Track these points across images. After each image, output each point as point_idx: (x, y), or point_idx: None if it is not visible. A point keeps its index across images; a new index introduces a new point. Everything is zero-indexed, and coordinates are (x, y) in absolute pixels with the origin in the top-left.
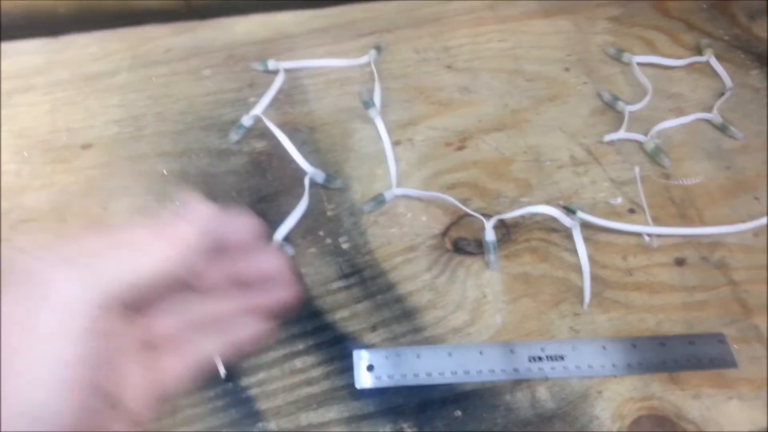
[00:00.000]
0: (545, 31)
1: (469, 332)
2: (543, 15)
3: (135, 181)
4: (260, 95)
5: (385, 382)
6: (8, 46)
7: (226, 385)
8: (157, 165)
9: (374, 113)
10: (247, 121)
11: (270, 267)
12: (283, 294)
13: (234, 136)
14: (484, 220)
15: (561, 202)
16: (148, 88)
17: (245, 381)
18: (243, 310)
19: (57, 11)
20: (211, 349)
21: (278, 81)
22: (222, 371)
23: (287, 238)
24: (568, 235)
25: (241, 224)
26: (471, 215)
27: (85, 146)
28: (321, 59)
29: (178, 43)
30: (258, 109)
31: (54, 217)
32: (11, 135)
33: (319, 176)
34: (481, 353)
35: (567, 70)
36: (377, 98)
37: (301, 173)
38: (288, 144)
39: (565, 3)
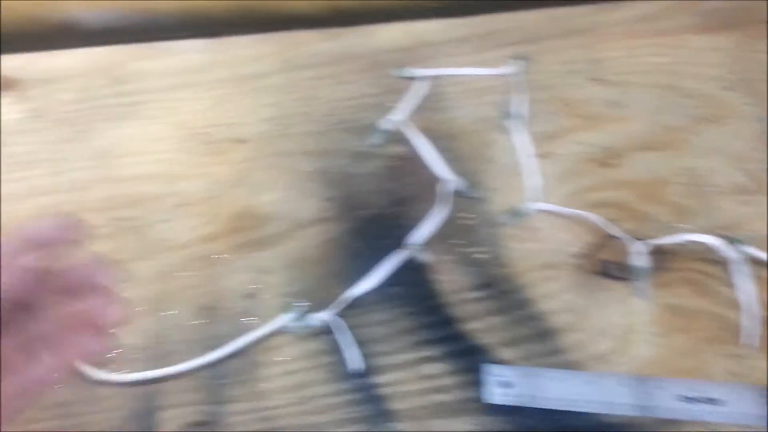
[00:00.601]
0: (704, 47)
1: (613, 361)
2: (702, 30)
3: (280, 176)
4: (400, 101)
5: (517, 401)
6: (175, 45)
7: (359, 380)
8: (301, 162)
9: (516, 125)
10: (388, 125)
11: (92, 274)
12: (107, 307)
13: (374, 140)
14: (636, 244)
15: (723, 233)
16: (298, 90)
17: (378, 379)
18: (75, 326)
19: (212, 12)
20: (47, 369)
21: (421, 88)
22: (356, 366)
23: (423, 244)
24: (728, 268)
25: (55, 223)
26: (618, 238)
27: (240, 141)
28: (461, 68)
29: (325, 48)
30: (400, 115)
31: (206, 205)
32: (174, 126)
33: (459, 184)
34: (624, 385)
35: (727, 89)
36: (520, 109)
37: (435, 180)
38: (429, 151)
39: (725, 19)
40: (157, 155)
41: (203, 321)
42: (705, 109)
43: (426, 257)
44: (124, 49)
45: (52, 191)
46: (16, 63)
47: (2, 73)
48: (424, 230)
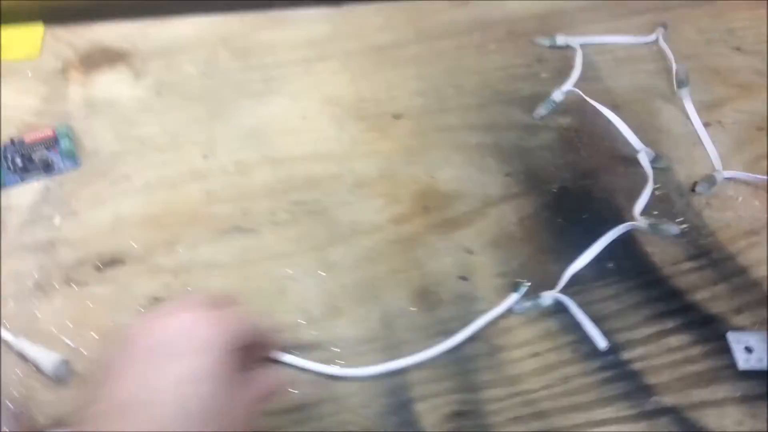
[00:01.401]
0: None
1: None
2: None
3: (454, 152)
4: (551, 70)
5: (760, 365)
6: (295, 13)
7: (608, 357)
8: (469, 137)
9: (685, 93)
10: (558, 96)
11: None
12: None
13: (542, 111)
14: None
15: None
16: (441, 61)
17: (625, 355)
18: None
19: None
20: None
21: (579, 57)
22: (602, 343)
23: (626, 217)
24: None
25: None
26: None
27: (396, 116)
28: (607, 36)
29: (458, 16)
30: (569, 85)
31: (385, 183)
32: (321, 102)
33: (649, 155)
34: None
35: None
36: (684, 78)
37: (616, 151)
38: (618, 121)
39: None
40: (315, 133)
41: (423, 306)
42: None
43: (647, 230)
44: (240, 18)
45: (208, 175)
46: (122, 32)
47: (110, 45)
48: (639, 203)
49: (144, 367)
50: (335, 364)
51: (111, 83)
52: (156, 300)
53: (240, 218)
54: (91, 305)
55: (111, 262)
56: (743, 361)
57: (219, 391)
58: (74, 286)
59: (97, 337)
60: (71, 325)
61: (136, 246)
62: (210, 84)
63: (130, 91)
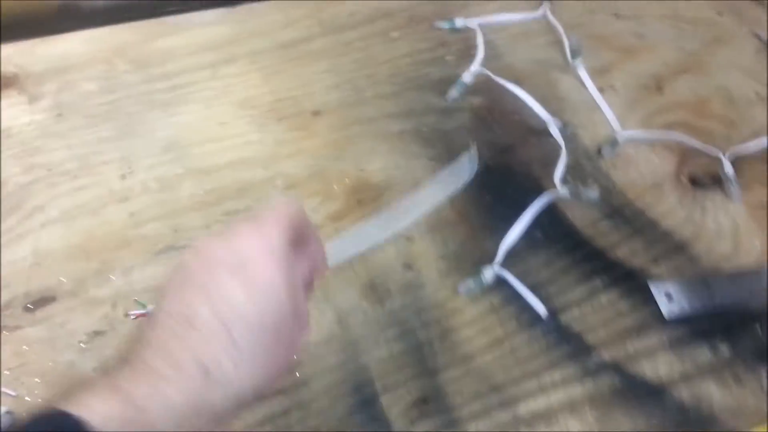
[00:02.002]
0: None
1: (734, 260)
2: None
3: (378, 142)
4: (455, 53)
5: (687, 310)
6: (189, 17)
7: (548, 323)
8: (389, 126)
9: (579, 63)
10: (467, 77)
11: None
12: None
13: (454, 94)
14: (720, 155)
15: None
16: (349, 53)
17: (564, 318)
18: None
19: None
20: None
21: (480, 38)
22: (542, 310)
23: (545, 186)
24: None
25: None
26: (704, 151)
27: (315, 113)
28: (500, 14)
29: (358, 7)
30: (476, 65)
31: (316, 181)
32: (237, 106)
33: (557, 124)
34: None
35: (720, 14)
36: (576, 48)
37: (525, 124)
38: (526, 96)
39: None
40: (236, 139)
41: (373, 300)
42: (711, 33)
43: (569, 198)
44: (132, 27)
45: (130, 195)
46: (6, 54)
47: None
48: (558, 171)
49: (207, 280)
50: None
51: (4, 110)
52: (97, 334)
53: (172, 236)
54: (26, 349)
55: (41, 300)
56: (666, 309)
57: (283, 292)
58: (5, 332)
59: (39, 381)
60: (8, 373)
61: (65, 280)
62: (113, 99)
63: (27, 117)
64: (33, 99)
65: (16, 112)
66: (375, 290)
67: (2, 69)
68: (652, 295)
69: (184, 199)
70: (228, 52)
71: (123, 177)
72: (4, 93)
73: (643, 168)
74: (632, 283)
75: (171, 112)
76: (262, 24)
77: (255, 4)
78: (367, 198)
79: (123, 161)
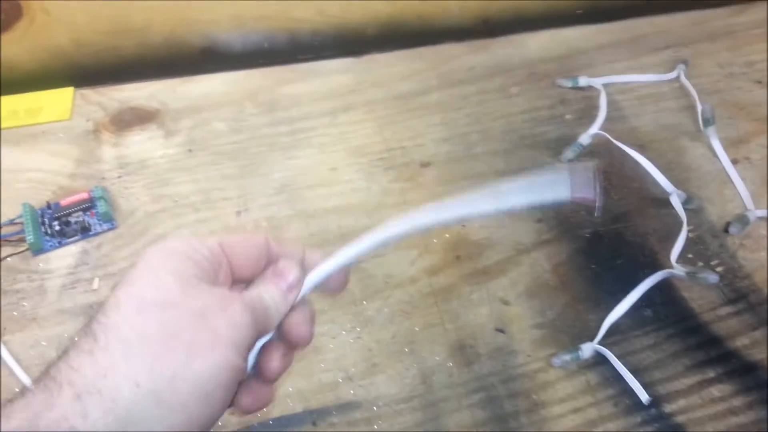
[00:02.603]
0: None
1: None
2: None
3: None
4: (574, 112)
5: None
6: (317, 65)
7: (650, 411)
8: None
9: (712, 132)
10: (585, 139)
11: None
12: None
13: (570, 155)
14: None
15: None
16: (464, 107)
17: (668, 408)
18: None
19: (366, 31)
20: None
21: (603, 98)
22: (645, 397)
23: (661, 261)
24: None
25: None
26: None
27: (424, 164)
28: (628, 75)
29: (479, 61)
30: (595, 127)
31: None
32: (349, 153)
33: (681, 196)
34: None
35: None
36: (709, 115)
37: (646, 192)
38: (647, 163)
39: None
40: (344, 185)
41: (461, 361)
42: None
43: (685, 278)
44: (265, 72)
45: (243, 231)
46: (151, 91)
47: (139, 104)
48: (676, 248)
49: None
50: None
51: (142, 142)
52: None
53: None
54: None
55: None
56: None
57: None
58: None
59: None
60: None
61: None
62: (239, 139)
63: (161, 150)
64: (169, 134)
65: (154, 145)
66: (464, 351)
67: (147, 104)
68: None
69: (290, 239)
70: (347, 101)
71: (238, 213)
72: (145, 127)
73: None
74: (750, 379)
75: (289, 155)
76: (383, 74)
77: (380, 55)
78: (465, 255)
79: (240, 198)
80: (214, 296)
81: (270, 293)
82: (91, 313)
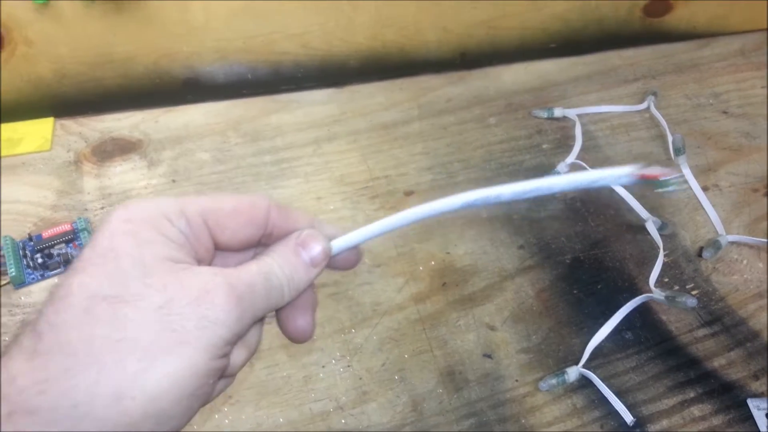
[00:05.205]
0: None
1: None
2: None
3: (467, 227)
4: (551, 141)
5: None
6: (302, 96)
7: None
8: (480, 211)
9: (683, 160)
10: (563, 168)
11: None
12: None
13: None
14: None
15: None
16: (445, 136)
17: (652, 428)
18: None
19: (347, 63)
20: None
21: (578, 128)
22: (630, 418)
23: (639, 285)
24: None
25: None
26: None
27: (408, 193)
28: (601, 106)
29: (457, 92)
30: (572, 157)
31: (403, 261)
32: (334, 182)
33: (656, 222)
34: None
35: None
36: (679, 144)
37: (621, 219)
38: (623, 191)
39: None
40: (330, 214)
41: (450, 387)
42: None
43: (664, 302)
44: (248, 102)
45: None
46: (133, 122)
47: (121, 135)
48: (654, 273)
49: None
50: None
51: (125, 173)
52: None
53: None
54: None
55: None
56: (765, 429)
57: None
58: None
59: None
60: None
61: None
62: (223, 169)
63: (145, 180)
64: (152, 164)
65: (137, 175)
66: (453, 377)
67: (129, 134)
68: (750, 412)
69: None
70: (331, 130)
71: None
72: (127, 157)
73: (748, 274)
74: (729, 398)
75: (274, 184)
76: (365, 105)
77: (361, 86)
78: (451, 281)
79: None
80: (185, 286)
81: (289, 265)
82: (49, 293)
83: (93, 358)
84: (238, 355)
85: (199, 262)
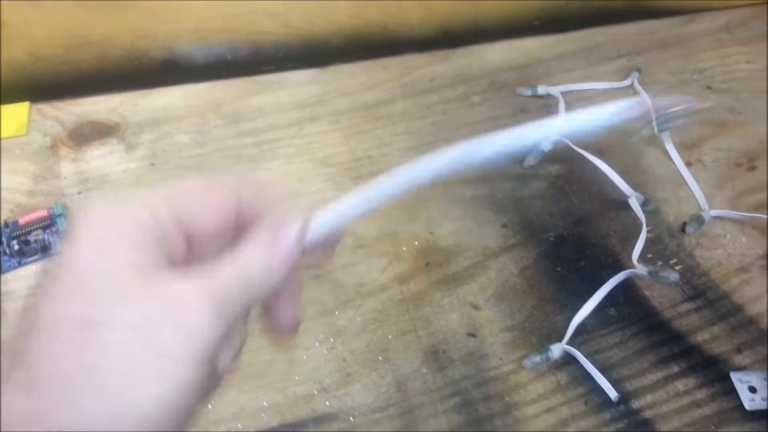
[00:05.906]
0: None
1: None
2: None
3: (450, 206)
4: (536, 119)
5: (765, 404)
6: (282, 76)
7: (619, 408)
8: (463, 190)
9: (666, 137)
10: (546, 145)
11: None
12: None
13: (531, 161)
14: None
15: None
16: (428, 116)
17: (636, 404)
18: None
19: (330, 42)
20: None
21: (562, 105)
22: (614, 394)
23: (622, 261)
24: None
25: None
26: None
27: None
28: (585, 83)
29: (440, 71)
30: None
31: (386, 242)
32: (317, 163)
33: (639, 198)
34: None
35: None
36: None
37: (604, 196)
38: (606, 168)
39: None
40: (313, 195)
41: (435, 367)
42: None
43: (647, 277)
44: (228, 83)
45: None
46: (110, 105)
47: (98, 118)
48: (637, 248)
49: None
50: None
51: (103, 157)
52: None
53: None
54: None
55: None
56: (749, 402)
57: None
58: None
59: None
60: None
61: None
62: (203, 152)
63: (123, 164)
64: (130, 148)
65: (115, 159)
66: (437, 357)
67: (106, 118)
68: (733, 385)
69: None
70: (313, 111)
71: None
72: (105, 141)
73: (731, 249)
74: (712, 372)
75: (255, 166)
76: (347, 85)
77: (344, 66)
78: (434, 261)
79: None
80: (160, 298)
81: (264, 255)
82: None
83: (68, 390)
84: (224, 356)
85: (173, 260)
